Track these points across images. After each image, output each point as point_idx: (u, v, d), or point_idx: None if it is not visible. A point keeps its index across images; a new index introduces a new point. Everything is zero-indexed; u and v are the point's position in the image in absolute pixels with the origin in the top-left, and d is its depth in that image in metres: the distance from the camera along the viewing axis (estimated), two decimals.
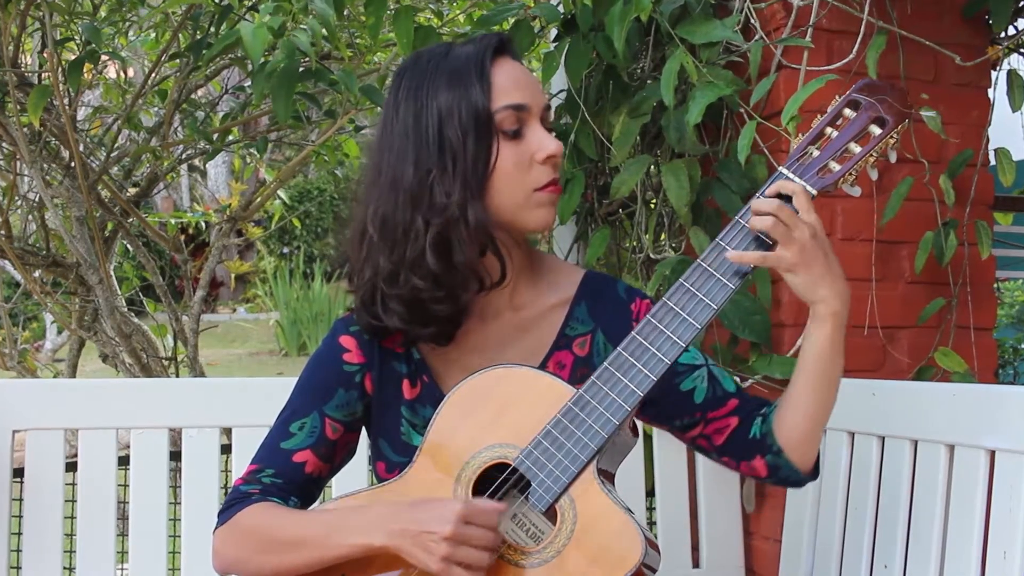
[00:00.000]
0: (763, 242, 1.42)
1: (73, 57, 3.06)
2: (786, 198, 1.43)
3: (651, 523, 2.39)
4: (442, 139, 1.44)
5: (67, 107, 2.91)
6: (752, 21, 2.26)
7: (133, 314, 3.46)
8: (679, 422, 1.62)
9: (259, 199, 3.58)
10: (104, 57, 3.17)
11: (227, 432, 2.30)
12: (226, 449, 2.27)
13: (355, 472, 2.03)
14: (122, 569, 2.18)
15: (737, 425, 1.59)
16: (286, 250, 14.39)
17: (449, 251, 1.45)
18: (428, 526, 1.35)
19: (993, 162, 2.37)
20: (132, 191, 3.51)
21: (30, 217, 3.59)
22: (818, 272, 1.43)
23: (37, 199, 3.36)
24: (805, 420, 1.53)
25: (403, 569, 1.42)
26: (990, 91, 2.46)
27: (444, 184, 1.43)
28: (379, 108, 2.41)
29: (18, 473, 2.16)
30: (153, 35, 3.43)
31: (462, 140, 1.43)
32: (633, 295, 1.63)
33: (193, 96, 3.44)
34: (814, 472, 1.60)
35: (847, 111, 1.47)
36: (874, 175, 1.50)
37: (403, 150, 1.46)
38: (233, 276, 13.86)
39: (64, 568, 2.15)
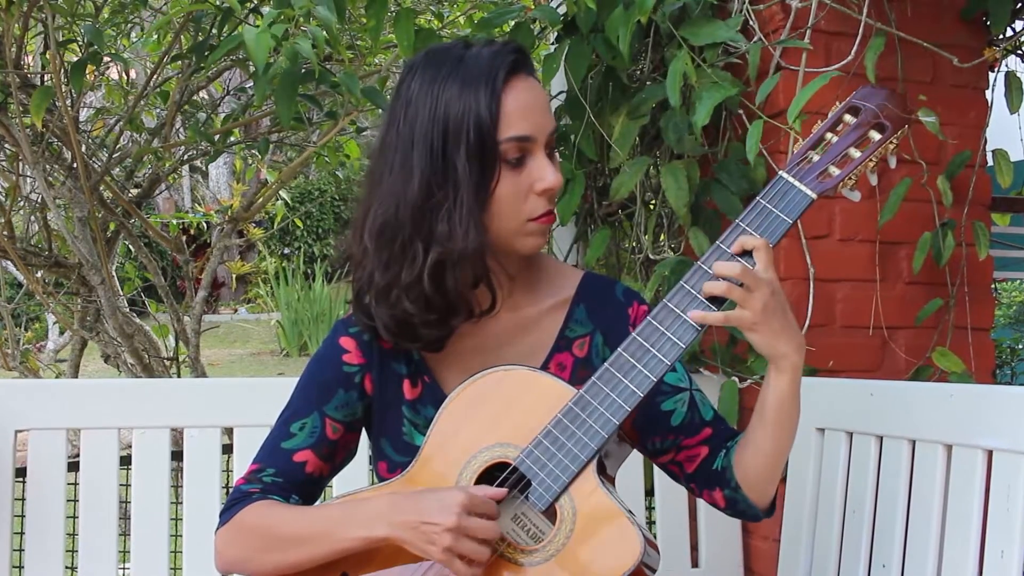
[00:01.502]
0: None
1: (76, 59, 3.07)
2: (747, 253, 1.42)
3: (650, 523, 2.40)
4: (446, 160, 1.42)
5: (69, 108, 2.92)
6: (751, 23, 2.27)
7: (135, 314, 3.48)
8: (651, 445, 1.61)
9: (260, 200, 3.59)
10: (106, 59, 3.19)
11: (228, 432, 2.31)
12: (227, 449, 2.28)
13: (356, 472, 2.04)
14: (124, 569, 2.19)
15: (707, 455, 1.59)
16: (287, 251, 14.40)
17: (443, 279, 1.44)
18: (430, 517, 1.36)
19: (991, 163, 2.38)
20: (134, 192, 3.52)
21: (32, 218, 3.60)
22: (778, 328, 1.42)
23: (39, 200, 3.38)
24: (764, 462, 1.52)
25: (405, 563, 1.43)
26: (988, 92, 2.47)
27: (448, 211, 1.42)
28: (380, 109, 2.41)
29: (20, 473, 2.16)
30: (155, 37, 3.44)
31: (468, 168, 1.42)
32: (631, 298, 1.63)
33: (195, 97, 3.45)
34: (770, 508, 1.60)
35: (847, 116, 1.47)
36: (874, 180, 1.51)
37: (407, 160, 1.44)
38: (234, 277, 13.88)
39: (66, 568, 2.16)
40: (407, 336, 1.50)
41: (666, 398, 1.59)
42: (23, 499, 2.16)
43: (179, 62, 3.11)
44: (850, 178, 1.45)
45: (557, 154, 1.53)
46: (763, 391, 1.49)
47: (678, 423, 1.59)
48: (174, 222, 4.16)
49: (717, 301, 1.41)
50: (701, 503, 2.35)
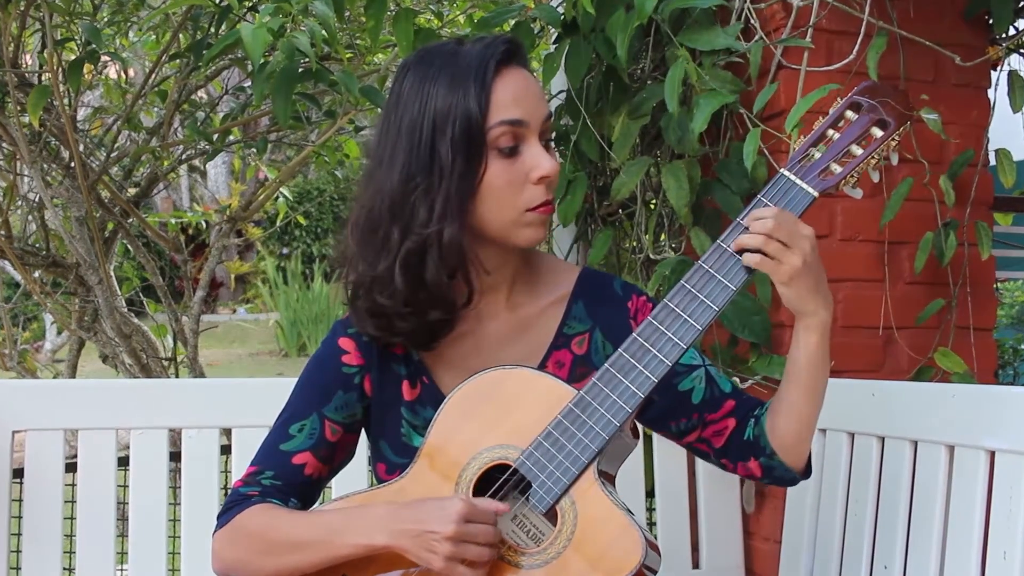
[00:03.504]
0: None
1: (73, 57, 3.06)
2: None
3: (651, 524, 2.39)
4: (433, 152, 1.42)
5: (67, 107, 2.91)
6: (752, 21, 2.26)
7: (133, 314, 3.47)
8: (676, 426, 1.62)
9: (259, 199, 3.58)
10: (104, 57, 3.18)
11: (227, 433, 2.30)
12: (226, 450, 2.27)
13: (355, 474, 2.03)
14: (122, 570, 2.18)
15: (735, 427, 1.60)
16: (286, 250, 14.39)
17: (421, 269, 1.44)
18: (430, 526, 1.35)
19: (993, 162, 2.38)
20: (132, 191, 3.51)
21: (30, 217, 3.59)
22: (812, 285, 1.43)
23: (37, 199, 3.37)
24: (799, 425, 1.53)
25: (404, 568, 1.42)
26: (990, 91, 2.46)
27: (427, 199, 1.42)
28: (379, 109, 2.41)
29: (18, 474, 2.15)
30: (153, 36, 3.43)
31: (451, 157, 1.41)
32: (629, 292, 1.63)
33: (193, 96, 3.45)
34: (807, 470, 1.61)
35: (849, 113, 1.47)
36: (875, 177, 1.50)
37: (394, 154, 1.44)
38: (233, 276, 13.87)
39: (64, 569, 2.15)
40: (388, 330, 1.49)
41: (682, 378, 1.59)
42: (20, 500, 2.15)
43: (177, 61, 3.10)
44: (852, 176, 1.44)
45: (553, 145, 1.52)
46: (793, 352, 1.50)
47: (699, 400, 1.59)
48: (172, 221, 4.14)
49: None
50: (702, 503, 2.34)
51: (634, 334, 1.42)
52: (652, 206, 2.54)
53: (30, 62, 3.40)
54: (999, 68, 2.45)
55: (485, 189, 1.44)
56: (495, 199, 1.44)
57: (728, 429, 1.60)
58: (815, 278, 1.43)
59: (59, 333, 5.89)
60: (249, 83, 3.00)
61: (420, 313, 1.47)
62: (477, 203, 1.44)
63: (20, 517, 2.15)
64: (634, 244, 2.62)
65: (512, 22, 2.45)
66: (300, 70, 2.32)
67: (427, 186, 1.42)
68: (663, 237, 2.54)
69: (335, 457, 1.59)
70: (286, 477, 1.54)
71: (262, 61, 2.22)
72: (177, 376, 3.50)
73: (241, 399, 2.22)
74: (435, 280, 1.44)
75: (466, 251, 1.45)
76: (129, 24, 3.30)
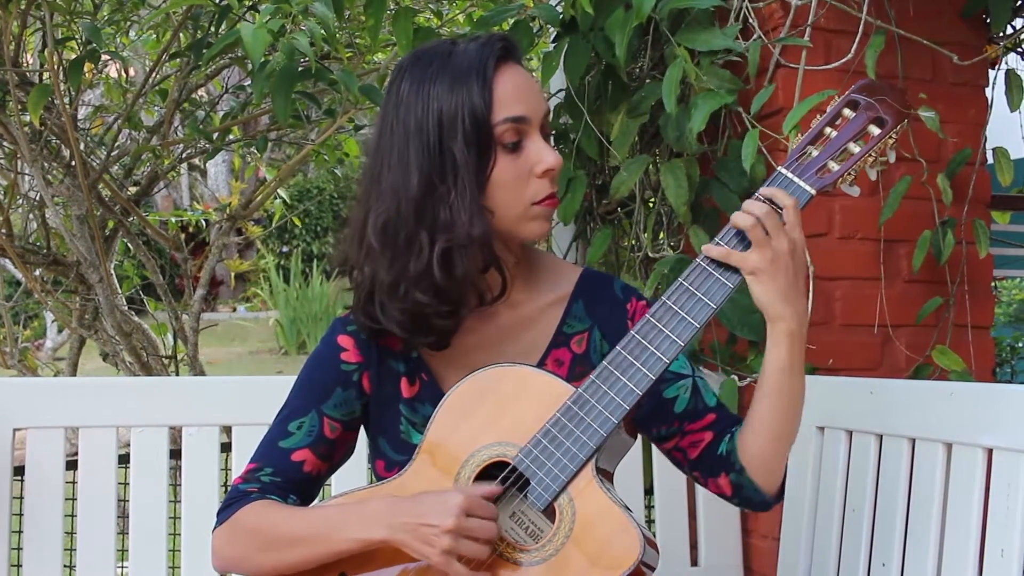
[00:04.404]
0: (748, 244, 1.42)
1: (74, 56, 3.07)
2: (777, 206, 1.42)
3: (649, 521, 2.39)
4: (443, 151, 1.43)
5: (68, 106, 2.91)
6: (750, 20, 2.26)
7: (133, 313, 3.47)
8: (656, 431, 1.61)
9: (259, 198, 3.58)
10: (105, 56, 3.18)
11: (227, 430, 2.30)
12: (226, 447, 2.27)
13: (354, 471, 2.04)
14: (122, 567, 2.18)
15: (710, 440, 1.58)
16: (285, 249, 14.39)
17: (457, 267, 1.45)
18: (429, 519, 1.35)
19: (991, 161, 2.38)
20: (132, 190, 3.52)
21: (31, 216, 3.59)
22: (782, 286, 1.41)
23: (38, 198, 3.37)
24: (767, 441, 1.51)
25: (404, 563, 1.43)
26: (988, 90, 2.46)
27: (450, 199, 1.43)
28: (379, 107, 2.41)
29: (19, 471, 2.16)
30: (154, 35, 3.43)
31: (466, 155, 1.42)
32: (629, 294, 1.63)
33: (193, 95, 3.45)
34: (779, 495, 1.58)
35: (846, 111, 1.47)
36: (873, 175, 1.50)
37: (404, 156, 1.45)
38: (233, 275, 13.86)
39: (64, 566, 2.15)
40: (420, 329, 1.49)
41: (668, 385, 1.59)
42: (21, 498, 2.15)
43: (177, 60, 3.11)
44: (849, 173, 1.44)
45: (552, 141, 1.53)
46: (763, 364, 1.48)
47: (681, 410, 1.59)
48: (172, 220, 4.15)
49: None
50: (700, 501, 2.35)
51: (632, 332, 1.42)
52: (651, 204, 2.54)
53: (31, 61, 3.40)
54: (997, 67, 2.45)
55: (493, 185, 1.45)
56: (503, 194, 1.46)
57: (704, 442, 1.58)
58: (785, 282, 1.41)
59: (60, 331, 5.89)
60: (249, 82, 3.00)
61: (456, 311, 1.48)
62: (486, 199, 1.45)
63: (21, 515, 2.16)
64: (633, 242, 2.62)
65: (511, 21, 2.45)
66: (300, 69, 2.32)
67: (448, 188, 1.43)
68: (662, 235, 2.55)
69: (334, 454, 1.59)
70: (285, 474, 1.54)
71: (262, 60, 2.23)
72: (177, 374, 3.50)
73: (241, 397, 2.23)
74: (468, 275, 1.46)
75: (494, 242, 1.47)
76: (129, 23, 3.30)
